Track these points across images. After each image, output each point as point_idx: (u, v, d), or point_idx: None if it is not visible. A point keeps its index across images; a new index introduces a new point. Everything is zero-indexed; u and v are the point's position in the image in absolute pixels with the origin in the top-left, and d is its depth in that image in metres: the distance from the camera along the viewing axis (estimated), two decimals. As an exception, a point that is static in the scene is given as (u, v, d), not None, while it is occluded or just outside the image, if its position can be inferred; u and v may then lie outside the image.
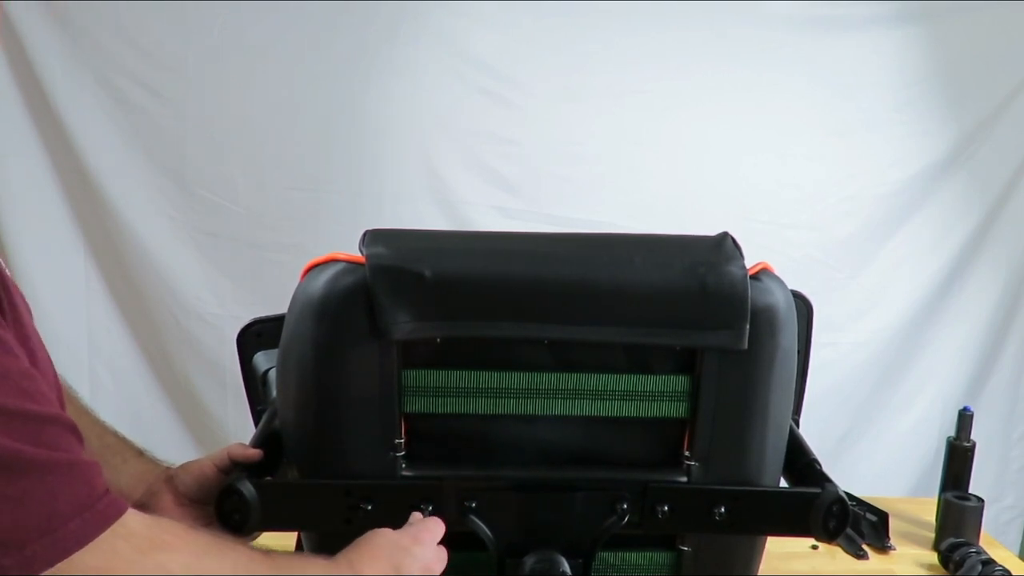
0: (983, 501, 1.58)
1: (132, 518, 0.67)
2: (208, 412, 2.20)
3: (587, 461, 0.92)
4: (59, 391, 0.78)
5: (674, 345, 0.88)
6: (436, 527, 0.85)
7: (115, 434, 0.99)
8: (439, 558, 0.84)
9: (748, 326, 0.85)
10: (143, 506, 0.94)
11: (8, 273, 0.77)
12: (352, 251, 0.88)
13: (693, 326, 0.86)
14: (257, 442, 0.98)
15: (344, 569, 0.78)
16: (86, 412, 0.98)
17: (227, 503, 0.87)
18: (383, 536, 0.82)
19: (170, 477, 0.96)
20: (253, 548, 0.77)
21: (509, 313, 0.85)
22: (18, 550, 0.61)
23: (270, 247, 2.12)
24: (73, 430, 0.68)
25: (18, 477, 0.62)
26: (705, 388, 0.88)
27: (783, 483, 0.99)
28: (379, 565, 0.79)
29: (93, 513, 0.65)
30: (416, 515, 0.87)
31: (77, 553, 0.63)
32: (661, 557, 0.97)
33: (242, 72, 2.06)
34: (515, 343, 0.88)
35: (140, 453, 0.99)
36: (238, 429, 2.10)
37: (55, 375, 0.80)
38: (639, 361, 0.90)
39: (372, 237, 0.88)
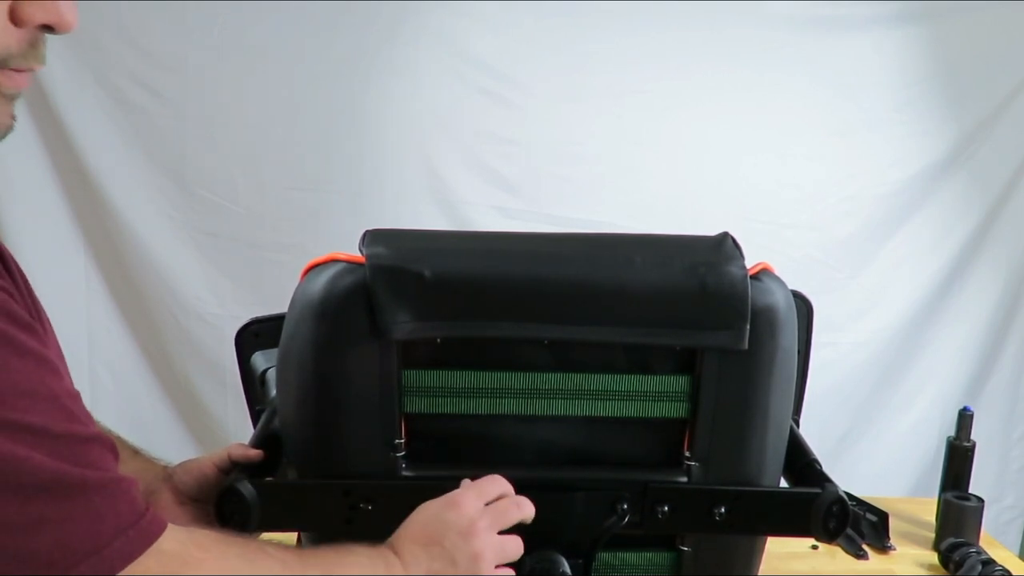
0: (983, 501, 1.58)
1: (166, 536, 0.67)
2: (208, 412, 2.20)
3: (587, 461, 0.92)
4: None
5: (674, 345, 0.88)
6: (485, 484, 0.82)
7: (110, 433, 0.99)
8: (497, 517, 0.81)
9: (748, 326, 0.85)
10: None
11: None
12: (352, 251, 0.88)
13: (693, 326, 0.86)
14: (256, 442, 0.98)
15: (382, 569, 0.76)
16: None
17: (226, 504, 0.87)
18: (421, 510, 0.80)
19: (169, 476, 0.95)
20: (287, 549, 0.76)
21: (509, 313, 0.85)
22: (65, 571, 0.60)
23: (270, 247, 2.12)
24: (110, 447, 0.68)
25: (63, 498, 0.61)
26: (705, 388, 0.88)
27: (783, 483, 0.99)
28: (424, 557, 0.77)
29: (136, 531, 0.64)
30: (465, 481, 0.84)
31: (120, 572, 0.63)
32: (661, 557, 0.97)
33: (242, 72, 2.06)
34: (515, 343, 0.88)
35: (136, 452, 0.99)
36: (238, 429, 2.10)
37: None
38: (639, 361, 0.89)
39: (372, 237, 0.88)
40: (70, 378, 0.71)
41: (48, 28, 0.65)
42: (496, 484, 0.83)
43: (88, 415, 0.67)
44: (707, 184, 2.19)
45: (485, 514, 0.80)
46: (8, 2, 0.62)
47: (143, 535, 0.65)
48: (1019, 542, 2.50)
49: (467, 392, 0.88)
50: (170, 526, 0.67)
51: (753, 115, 2.17)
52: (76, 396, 0.66)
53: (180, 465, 0.97)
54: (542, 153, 2.15)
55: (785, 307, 0.89)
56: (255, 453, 0.94)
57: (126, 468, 0.95)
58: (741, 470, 0.91)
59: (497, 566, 0.80)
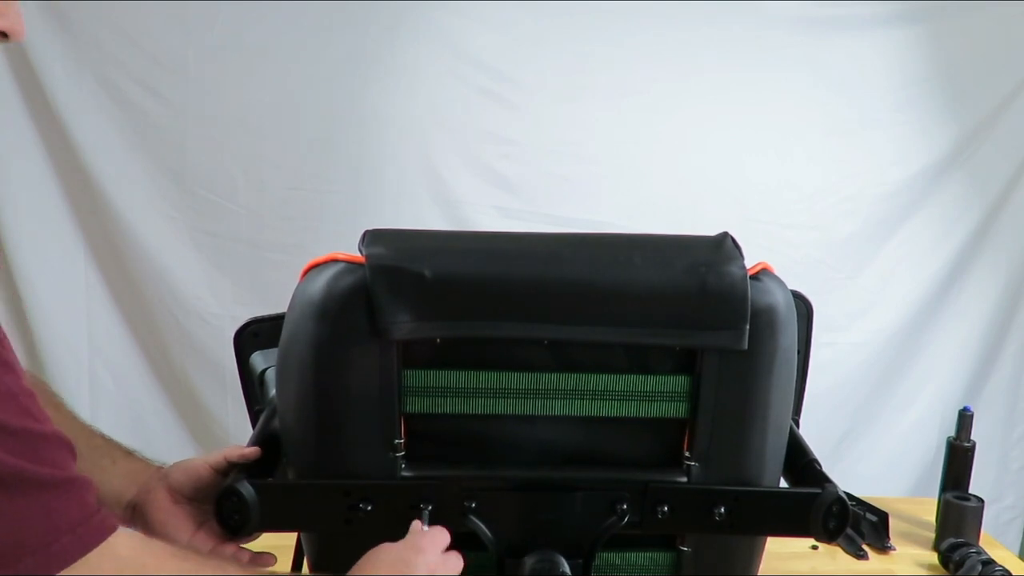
0: (983, 501, 1.58)
1: (120, 539, 0.68)
2: (208, 412, 2.20)
3: (587, 461, 0.92)
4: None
5: (674, 345, 0.88)
6: (437, 534, 0.84)
7: (102, 436, 0.98)
8: (446, 563, 0.83)
9: (748, 326, 0.85)
10: (138, 506, 0.94)
11: None
12: (352, 251, 0.88)
13: (693, 326, 0.86)
14: (255, 442, 0.97)
15: None
16: (71, 416, 0.97)
17: (226, 505, 0.87)
18: (383, 551, 0.82)
19: (164, 475, 0.95)
20: (244, 568, 0.77)
21: (509, 313, 0.85)
22: (12, 565, 0.62)
23: (270, 247, 2.12)
24: (68, 447, 0.69)
25: (19, 494, 0.63)
26: (705, 388, 0.88)
27: (783, 483, 0.99)
28: None
29: (86, 529, 0.66)
30: (416, 524, 0.86)
31: (66, 569, 0.64)
32: (661, 557, 0.97)
33: (242, 72, 2.06)
34: (515, 343, 0.88)
35: (129, 453, 0.98)
36: (238, 429, 2.10)
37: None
38: (639, 361, 0.89)
39: (372, 237, 0.88)
40: (24, 375, 0.72)
41: (2, 35, 0.65)
42: (441, 533, 0.85)
43: (44, 413, 0.68)
44: (707, 184, 2.18)
45: (445, 561, 0.83)
46: None
47: (92, 533, 0.66)
48: (1019, 542, 2.50)
49: (467, 392, 0.88)
50: (127, 531, 0.69)
51: (753, 115, 2.17)
52: (32, 394, 0.67)
53: (175, 465, 0.96)
54: (542, 153, 2.15)
55: (785, 307, 0.89)
56: (252, 451, 0.94)
57: (119, 468, 0.96)
58: (741, 470, 0.91)
59: None
